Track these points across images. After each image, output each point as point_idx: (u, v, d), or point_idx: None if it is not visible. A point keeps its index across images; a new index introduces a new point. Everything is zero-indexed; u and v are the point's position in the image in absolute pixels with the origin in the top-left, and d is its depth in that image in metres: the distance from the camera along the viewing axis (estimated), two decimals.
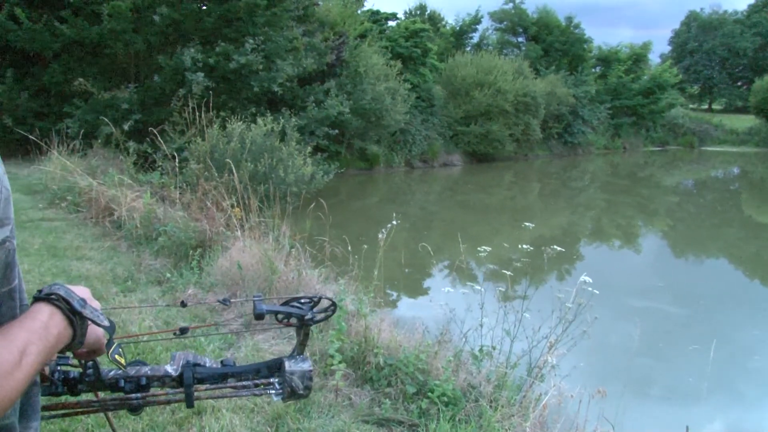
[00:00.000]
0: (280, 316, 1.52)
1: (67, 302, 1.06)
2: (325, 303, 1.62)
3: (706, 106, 70.18)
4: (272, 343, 4.80)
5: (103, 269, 6.66)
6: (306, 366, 1.45)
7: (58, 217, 9.32)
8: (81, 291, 1.13)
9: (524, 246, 4.69)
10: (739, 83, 69.35)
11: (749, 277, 12.74)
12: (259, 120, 12.51)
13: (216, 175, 8.48)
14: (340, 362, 4.04)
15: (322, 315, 1.57)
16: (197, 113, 12.00)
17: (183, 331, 1.58)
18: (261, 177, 10.71)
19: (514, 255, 4.78)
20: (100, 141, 13.14)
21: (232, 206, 7.20)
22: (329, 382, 4.14)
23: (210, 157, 10.54)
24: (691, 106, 63.44)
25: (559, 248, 4.57)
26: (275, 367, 1.48)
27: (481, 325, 4.57)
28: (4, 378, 0.87)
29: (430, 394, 3.92)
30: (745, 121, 49.41)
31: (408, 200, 21.90)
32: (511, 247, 13.75)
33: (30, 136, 11.80)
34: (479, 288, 4.68)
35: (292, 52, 17.47)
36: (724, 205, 23.37)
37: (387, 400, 3.98)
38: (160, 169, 11.00)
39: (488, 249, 4.86)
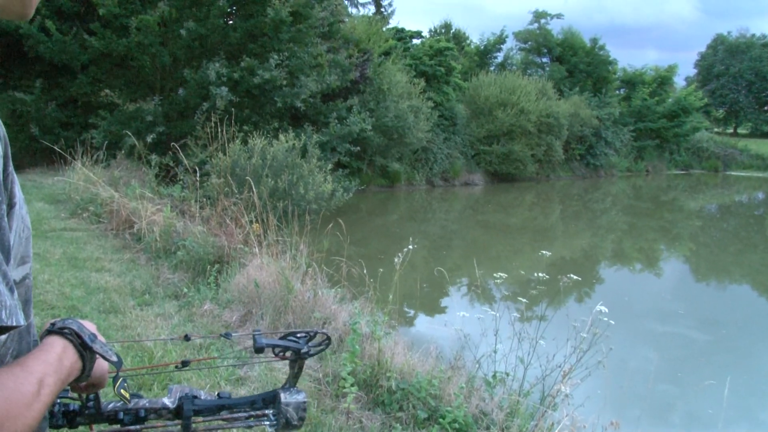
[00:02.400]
0: (277, 350, 1.56)
1: (79, 336, 1.10)
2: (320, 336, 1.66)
3: (731, 131, 69.53)
4: (285, 363, 4.79)
5: (122, 282, 6.71)
6: (300, 398, 1.48)
7: (80, 228, 9.42)
8: (89, 326, 1.16)
9: (540, 274, 4.65)
10: (765, 108, 68.69)
11: None
12: (281, 136, 12.58)
13: (236, 190, 8.53)
14: (352, 385, 4.03)
15: (317, 348, 1.61)
16: (220, 127, 12.11)
17: (184, 364, 1.60)
18: (281, 193, 10.77)
19: (533, 278, 4.74)
20: (123, 152, 13.30)
21: (251, 222, 7.23)
22: (341, 405, 4.14)
23: (231, 172, 10.62)
24: (716, 129, 62.88)
25: (575, 277, 4.54)
26: (270, 399, 1.51)
27: (495, 351, 4.54)
28: (25, 408, 0.89)
29: (441, 420, 3.90)
30: None
31: (428, 218, 21.86)
32: (531, 270, 13.68)
33: (54, 147, 11.96)
34: (494, 313, 4.66)
35: (316, 69, 17.60)
36: (748, 230, 23.09)
37: (398, 424, 3.96)
38: (181, 182, 11.11)
39: (504, 275, 4.83)
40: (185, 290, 6.39)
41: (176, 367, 1.64)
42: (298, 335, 1.57)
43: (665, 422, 6.64)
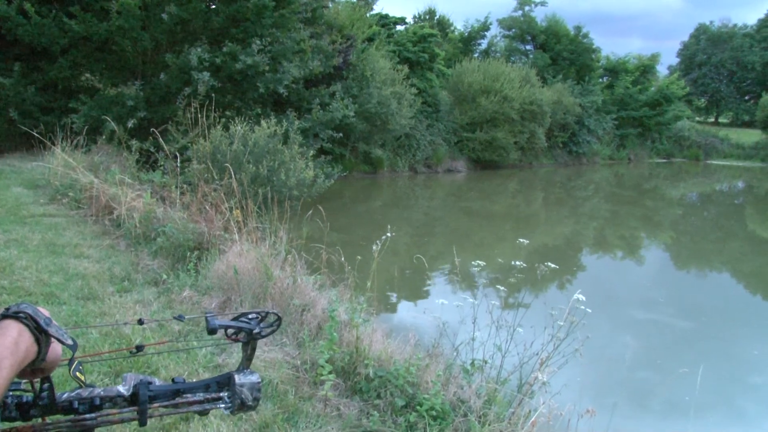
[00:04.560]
0: (230, 332, 1.56)
1: (35, 320, 1.11)
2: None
3: (712, 120, 70.10)
4: (264, 350, 4.80)
5: (101, 268, 6.67)
6: (254, 378, 1.49)
7: (59, 213, 9.33)
8: (44, 311, 1.16)
9: (519, 262, 4.67)
10: (746, 97, 69.27)
11: (752, 292, 12.79)
12: (263, 122, 12.51)
13: (217, 176, 8.49)
14: (330, 373, 4.04)
15: (269, 330, 1.62)
16: (201, 113, 12.02)
17: (139, 348, 1.61)
18: (262, 180, 10.72)
19: (514, 264, 4.76)
20: (104, 137, 13.16)
21: (232, 209, 7.20)
22: (318, 392, 4.15)
23: (212, 158, 10.56)
24: (697, 118, 63.29)
25: (553, 265, 4.57)
26: (224, 382, 1.52)
27: (474, 339, 4.57)
28: None
29: (418, 407, 3.92)
30: (751, 136, 49.35)
31: (411, 205, 21.88)
32: (513, 258, 13.74)
33: (33, 132, 11.82)
34: (473, 301, 4.68)
35: (298, 54, 17.49)
36: (728, 219, 23.34)
37: (375, 412, 3.97)
38: (161, 168, 11.02)
39: (483, 263, 4.85)
40: (165, 277, 6.37)
41: (130, 352, 1.64)
42: (250, 316, 1.58)
43: (644, 409, 6.72)
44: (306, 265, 6.21)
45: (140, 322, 1.63)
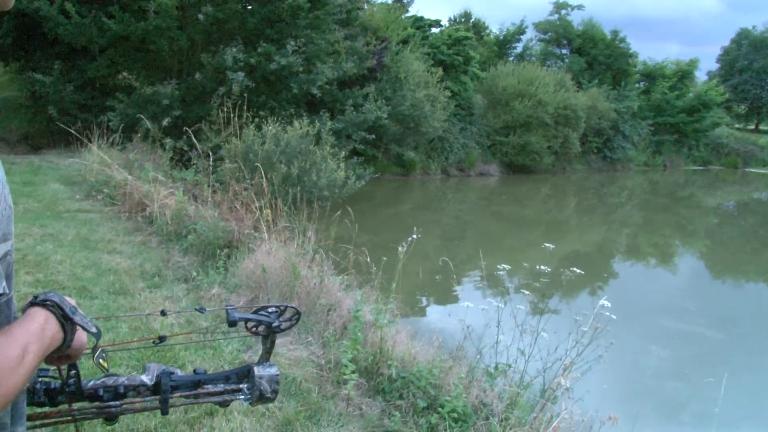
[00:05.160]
0: (250, 324, 1.60)
1: (61, 308, 1.16)
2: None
3: (752, 127, 68.70)
4: (290, 348, 4.84)
5: (132, 264, 6.79)
6: (273, 371, 1.54)
7: (94, 209, 9.51)
8: (70, 300, 1.21)
9: (544, 267, 4.65)
10: None
11: None
12: (295, 122, 12.60)
13: (248, 176, 8.58)
14: (353, 372, 4.06)
15: (288, 323, 1.65)
16: (233, 112, 12.15)
17: (161, 339, 1.66)
18: (293, 180, 10.80)
19: (539, 269, 4.74)
20: (139, 136, 13.38)
21: (262, 209, 7.27)
22: (341, 391, 4.18)
23: (244, 157, 10.67)
24: (736, 125, 62.15)
25: (578, 270, 4.54)
26: (244, 374, 1.57)
27: (497, 343, 4.56)
28: (10, 372, 0.96)
29: (440, 409, 3.92)
30: None
31: (442, 208, 21.87)
32: (540, 263, 13.65)
33: (71, 129, 12.06)
34: (498, 305, 4.67)
35: (333, 56, 17.61)
36: (765, 229, 22.90)
37: (397, 412, 3.99)
38: (194, 167, 11.17)
39: (508, 267, 4.83)
40: (194, 274, 6.45)
41: (153, 342, 1.69)
42: (270, 310, 1.62)
43: (668, 419, 6.65)
44: (333, 265, 6.25)
45: (163, 313, 1.68)
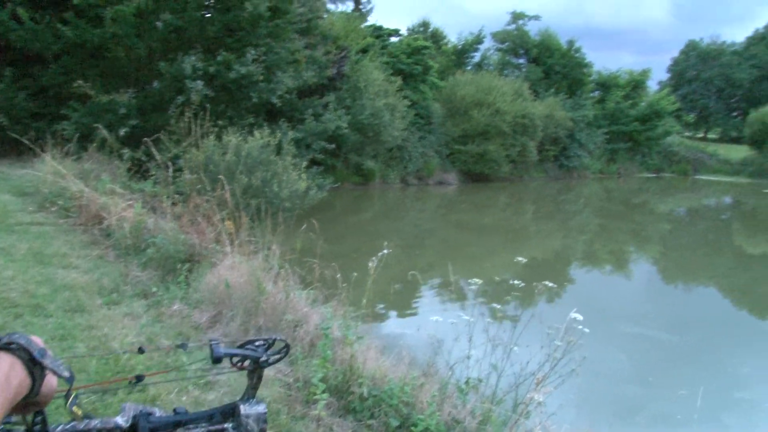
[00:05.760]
0: (235, 360, 1.51)
1: (28, 351, 1.04)
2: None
3: (701, 135, 70.53)
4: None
5: (89, 279, 6.56)
6: (261, 408, 1.44)
7: (48, 222, 9.20)
8: (37, 340, 1.09)
9: (517, 281, 4.62)
10: (734, 113, 69.80)
11: (738, 307, 12.90)
12: (256, 132, 12.44)
13: (209, 187, 8.42)
14: (323, 392, 3.97)
15: (276, 357, 1.56)
16: (194, 122, 11.94)
17: (139, 379, 1.54)
18: (255, 191, 10.65)
19: (508, 283, 4.71)
20: (95, 145, 13.05)
21: (224, 220, 7.12)
22: (311, 411, 4.08)
23: (204, 168, 10.48)
24: (686, 134, 63.72)
25: (551, 284, 4.52)
26: (229, 412, 1.46)
27: (469, 357, 4.51)
28: None
29: (413, 428, 3.85)
30: (739, 152, 49.67)
31: (402, 217, 21.88)
32: (503, 271, 13.77)
33: (22, 139, 11.71)
34: (468, 318, 4.63)
35: (293, 65, 17.49)
36: (715, 234, 23.47)
37: None
38: (153, 177, 10.93)
39: (479, 281, 4.80)
40: (154, 289, 6.27)
41: (130, 382, 1.58)
42: (257, 343, 1.53)
43: (631, 425, 6.73)
44: (299, 279, 6.14)
45: (140, 351, 1.56)
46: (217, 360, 1.42)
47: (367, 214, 21.71)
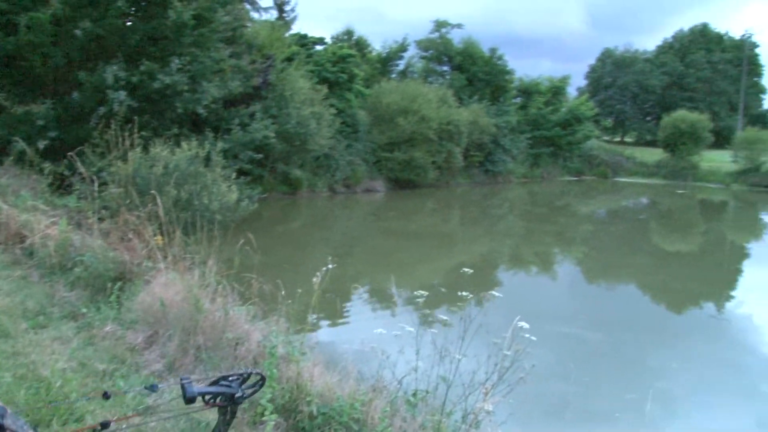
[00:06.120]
0: (207, 397, 1.44)
1: None
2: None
3: (618, 139, 73.10)
4: None
5: (12, 302, 6.21)
6: None
7: None
8: None
9: (465, 293, 4.62)
10: (648, 118, 72.66)
11: (657, 302, 13.50)
12: (184, 144, 12.15)
13: (138, 201, 8.15)
14: (271, 413, 3.86)
15: (251, 390, 1.50)
16: (119, 134, 11.56)
17: (104, 426, 1.44)
18: (184, 204, 10.38)
19: (464, 294, 4.70)
20: (12, 159, 12.46)
21: (155, 235, 6.90)
22: None
23: (131, 182, 10.15)
24: (605, 138, 65.79)
25: (497, 294, 4.55)
26: None
27: (416, 370, 4.49)
28: None
29: None
30: (654, 155, 51.54)
31: (331, 225, 21.83)
32: (430, 276, 13.88)
33: None
34: (411, 329, 4.61)
35: (218, 74, 17.19)
36: (634, 234, 24.33)
37: None
38: (77, 192, 10.50)
39: (425, 293, 4.78)
40: (84, 310, 6.01)
41: (94, 430, 1.47)
42: (231, 378, 1.47)
43: (563, 421, 6.91)
44: (238, 295, 5.99)
45: (105, 396, 1.46)
46: (190, 400, 1.35)
47: (296, 223, 21.54)
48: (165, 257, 6.39)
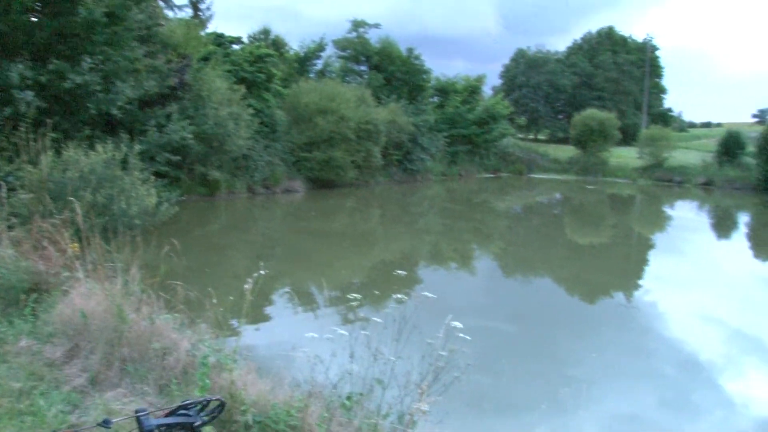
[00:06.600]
0: (164, 428, 1.37)
1: None
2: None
3: (532, 136, 75.15)
4: (125, 402, 4.41)
5: None
6: None
7: None
8: None
9: (399, 296, 4.62)
10: (560, 116, 74.99)
11: (570, 294, 14.02)
12: (99, 147, 11.69)
13: (54, 208, 7.79)
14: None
15: (210, 416, 1.45)
16: (28, 136, 11.02)
17: None
18: (101, 209, 10.00)
19: (400, 297, 4.68)
20: None
21: (71, 242, 6.61)
22: None
23: (43, 187, 9.69)
24: (519, 135, 67.45)
25: (431, 295, 4.57)
26: None
27: (350, 373, 4.46)
28: None
29: None
30: (566, 152, 53.22)
31: (251, 227, 21.56)
32: (352, 275, 13.89)
33: None
34: (343, 333, 4.59)
35: (133, 74, 16.64)
36: (549, 228, 25.09)
37: None
38: None
39: (359, 296, 4.76)
40: None
41: None
42: (189, 407, 1.41)
43: (483, 412, 7.06)
44: (163, 303, 5.80)
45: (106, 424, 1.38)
46: None
47: (215, 225, 21.13)
48: (84, 266, 6.13)
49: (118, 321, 5.16)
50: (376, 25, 44.82)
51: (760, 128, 46.09)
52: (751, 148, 42.05)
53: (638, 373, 8.66)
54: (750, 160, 41.48)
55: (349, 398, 4.36)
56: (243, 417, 3.99)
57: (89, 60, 14.52)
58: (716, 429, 7.09)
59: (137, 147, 14.21)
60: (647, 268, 17.01)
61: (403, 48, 43.69)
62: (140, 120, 17.80)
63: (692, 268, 16.79)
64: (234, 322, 8.52)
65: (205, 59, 24.90)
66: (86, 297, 5.56)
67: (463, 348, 4.23)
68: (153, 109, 18.55)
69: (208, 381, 4.07)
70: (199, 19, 28.89)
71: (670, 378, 8.57)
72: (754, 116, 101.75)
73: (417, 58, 43.66)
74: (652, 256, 19.10)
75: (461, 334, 4.21)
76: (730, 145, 43.50)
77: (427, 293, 4.55)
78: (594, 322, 11.46)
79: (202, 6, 30.50)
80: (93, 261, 6.14)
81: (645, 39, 75.69)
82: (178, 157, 18.95)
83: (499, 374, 8.11)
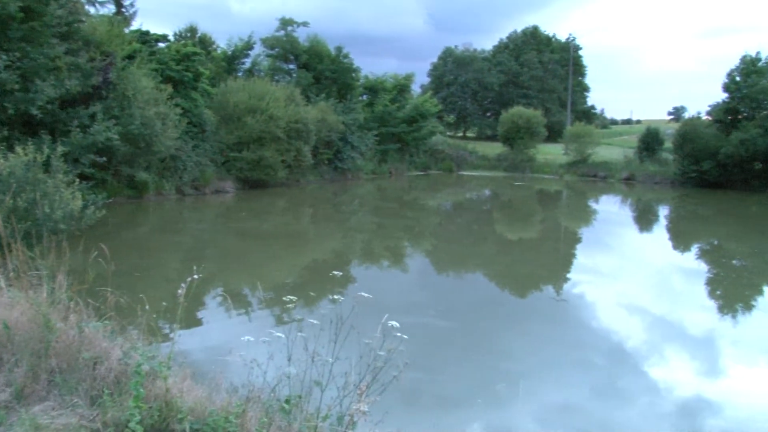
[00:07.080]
0: None
1: None
2: None
3: (461, 134, 76.24)
4: (53, 415, 4.25)
5: None
6: None
7: None
8: None
9: (337, 296, 4.61)
10: (488, 114, 76.37)
11: (501, 288, 14.29)
12: (18, 148, 11.25)
13: None
14: None
15: None
16: None
17: None
18: (22, 213, 9.63)
19: (337, 297, 4.67)
20: None
21: None
22: None
23: None
24: (448, 133, 68.33)
25: (367, 295, 4.58)
26: None
27: (288, 376, 4.44)
28: None
29: None
30: (494, 149, 54.21)
31: (180, 229, 21.16)
32: (285, 276, 13.79)
33: None
34: (281, 335, 4.55)
35: (53, 72, 16.07)
36: (479, 224, 25.51)
37: None
38: None
39: (295, 298, 4.73)
40: None
41: None
42: None
43: (419, 407, 7.15)
44: (93, 310, 5.63)
45: None
46: None
47: (144, 228, 20.65)
48: (5, 274, 5.89)
49: (45, 331, 4.96)
50: (305, 24, 44.67)
51: (676, 125, 48.16)
52: (668, 144, 43.80)
53: (570, 364, 8.94)
54: (668, 156, 43.22)
55: (287, 401, 4.33)
56: (180, 425, 3.91)
57: (5, 57, 13.96)
58: (643, 414, 7.36)
59: (60, 148, 13.73)
60: (575, 261, 17.53)
61: (331, 46, 43.73)
62: (63, 120, 17.22)
63: (617, 260, 17.42)
64: (167, 328, 8.39)
65: (130, 57, 24.29)
66: (9, 307, 5.34)
67: (400, 347, 4.26)
68: (76, 108, 17.97)
69: (142, 390, 3.97)
70: (122, 16, 28.16)
71: (599, 367, 8.87)
72: (670, 114, 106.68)
73: (346, 56, 43.70)
74: (579, 249, 19.67)
75: (398, 333, 4.24)
76: (650, 141, 45.28)
77: (363, 293, 4.56)
78: (526, 316, 11.74)
79: (126, 2, 29.78)
80: (15, 269, 5.90)
81: (568, 39, 77.91)
82: (104, 159, 18.42)
83: (437, 370, 8.23)
